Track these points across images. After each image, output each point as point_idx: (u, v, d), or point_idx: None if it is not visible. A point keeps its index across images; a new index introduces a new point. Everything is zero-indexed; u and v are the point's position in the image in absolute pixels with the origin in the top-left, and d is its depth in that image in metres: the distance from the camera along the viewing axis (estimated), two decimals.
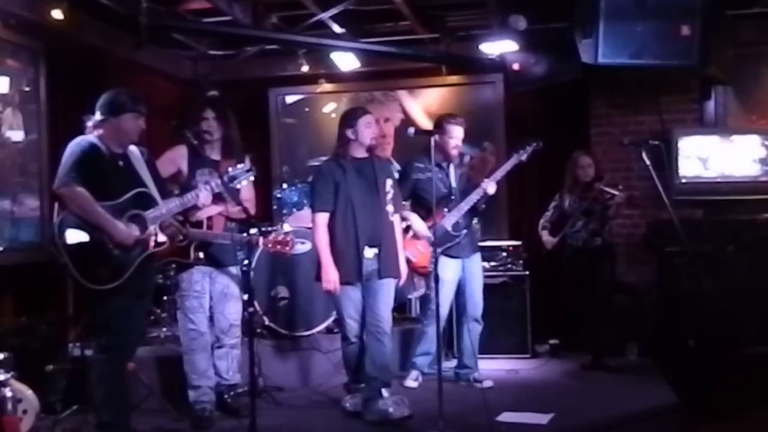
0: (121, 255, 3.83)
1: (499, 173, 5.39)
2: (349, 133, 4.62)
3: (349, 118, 4.66)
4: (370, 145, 4.63)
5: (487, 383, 5.32)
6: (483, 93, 7.38)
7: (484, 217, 6.86)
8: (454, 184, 5.34)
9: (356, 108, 4.90)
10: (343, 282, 4.52)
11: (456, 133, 5.29)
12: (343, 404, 4.76)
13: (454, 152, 5.32)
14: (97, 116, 3.97)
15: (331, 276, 4.50)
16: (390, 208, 4.66)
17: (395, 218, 4.72)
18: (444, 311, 5.23)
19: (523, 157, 5.46)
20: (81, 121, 4.04)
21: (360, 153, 4.65)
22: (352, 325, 4.63)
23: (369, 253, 4.56)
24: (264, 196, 7.13)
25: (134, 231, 3.87)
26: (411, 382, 5.38)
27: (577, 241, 5.91)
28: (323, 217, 4.58)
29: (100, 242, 3.79)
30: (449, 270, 5.24)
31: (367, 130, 4.61)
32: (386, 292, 4.65)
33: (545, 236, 6.02)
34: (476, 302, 5.38)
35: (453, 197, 5.28)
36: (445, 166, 5.34)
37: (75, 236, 3.77)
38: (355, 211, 4.53)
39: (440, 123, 5.34)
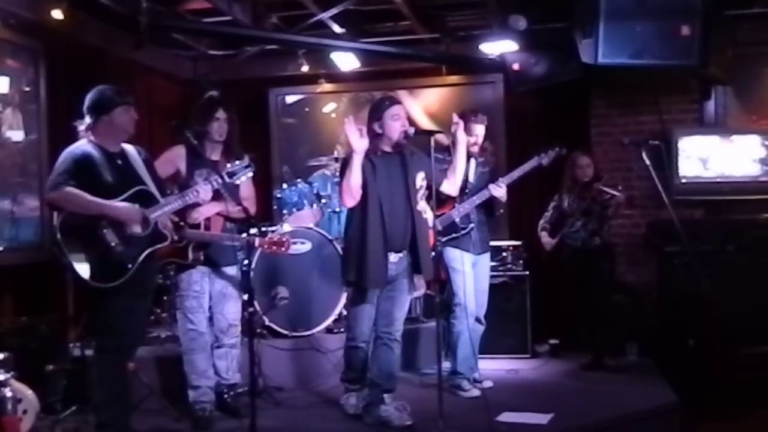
0: (124, 253, 3.83)
1: (516, 173, 5.33)
2: (376, 126, 4.36)
3: (375, 111, 4.39)
4: (398, 140, 4.36)
5: (487, 383, 5.32)
6: (483, 93, 7.38)
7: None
8: (471, 179, 5.23)
9: (383, 98, 4.59)
10: (367, 288, 4.38)
11: (476, 131, 5.20)
12: (341, 404, 4.73)
13: (473, 149, 5.23)
14: (87, 119, 3.94)
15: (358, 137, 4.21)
16: (422, 204, 4.48)
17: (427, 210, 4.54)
18: (470, 304, 5.13)
19: (544, 161, 5.39)
20: (72, 128, 4.02)
21: (389, 147, 4.41)
22: (363, 331, 4.48)
23: (393, 257, 4.41)
24: (264, 196, 7.14)
25: (137, 228, 3.87)
26: (474, 391, 5.21)
27: (576, 241, 5.91)
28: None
29: (104, 240, 3.79)
30: (460, 262, 5.14)
31: (394, 123, 4.33)
32: (405, 297, 4.55)
33: (544, 237, 6.03)
34: (481, 302, 5.33)
35: (467, 191, 5.16)
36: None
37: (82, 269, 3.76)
38: (384, 215, 4.31)
39: (462, 119, 5.31)
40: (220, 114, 4.63)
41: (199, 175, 4.50)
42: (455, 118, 4.72)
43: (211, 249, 4.57)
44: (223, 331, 4.69)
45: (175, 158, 4.60)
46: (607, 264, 5.95)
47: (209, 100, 4.81)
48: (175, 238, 4.16)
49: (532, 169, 5.37)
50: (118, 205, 3.82)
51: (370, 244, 4.32)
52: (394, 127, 4.35)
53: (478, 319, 5.35)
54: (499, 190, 5.18)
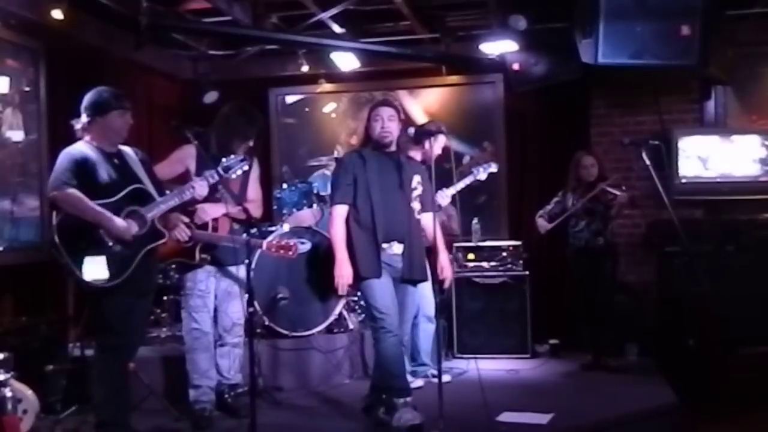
0: (122, 252, 3.83)
1: (459, 186, 5.59)
2: (366, 123, 4.51)
3: (369, 109, 4.53)
4: (377, 139, 4.43)
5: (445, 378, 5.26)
6: (483, 93, 7.38)
7: (484, 217, 6.91)
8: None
9: (379, 99, 4.72)
10: (364, 277, 4.33)
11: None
12: (395, 426, 4.27)
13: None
14: (84, 118, 3.97)
15: (344, 271, 4.31)
16: (416, 205, 4.49)
17: (425, 216, 4.54)
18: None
19: (480, 176, 5.77)
20: (70, 126, 4.03)
21: (377, 146, 4.47)
22: (391, 316, 4.27)
23: (397, 248, 4.39)
24: (264, 196, 7.13)
25: (133, 227, 3.88)
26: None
27: (580, 240, 5.92)
28: (340, 210, 4.39)
29: (101, 240, 3.79)
30: None
31: (374, 123, 4.44)
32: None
33: (541, 222, 6.04)
34: (429, 301, 5.31)
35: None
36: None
37: (93, 271, 3.78)
38: (374, 204, 4.34)
39: (439, 132, 5.35)
40: (249, 143, 4.69)
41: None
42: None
43: (218, 249, 4.59)
44: (227, 330, 4.70)
45: (185, 158, 4.60)
46: (609, 264, 5.94)
47: (250, 127, 4.76)
48: (186, 238, 4.21)
49: (471, 182, 5.71)
50: (115, 220, 3.82)
51: (361, 234, 4.34)
52: (373, 127, 4.44)
53: (428, 318, 5.40)
54: (444, 199, 5.44)
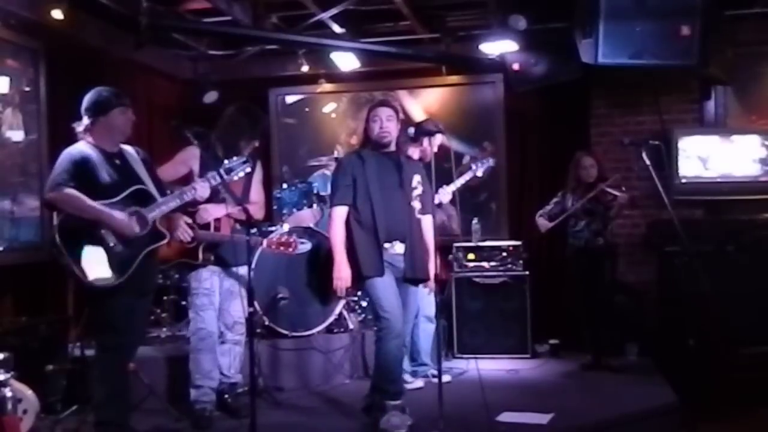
0: (123, 252, 3.83)
1: (459, 182, 5.61)
2: (364, 124, 4.52)
3: (367, 110, 4.54)
4: (376, 139, 4.43)
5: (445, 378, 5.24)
6: (483, 93, 7.38)
7: (485, 217, 6.91)
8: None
9: (377, 100, 4.72)
10: (367, 276, 4.32)
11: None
12: (382, 428, 4.27)
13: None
14: (85, 120, 3.96)
15: (342, 273, 4.33)
16: (417, 204, 4.49)
17: (425, 218, 4.54)
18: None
19: (478, 172, 5.81)
20: (71, 129, 4.03)
21: (377, 146, 4.47)
22: (395, 316, 4.26)
23: (399, 248, 4.39)
24: (265, 197, 7.13)
25: (135, 227, 3.88)
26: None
27: (580, 240, 5.92)
28: (340, 211, 4.39)
29: (102, 241, 3.79)
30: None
31: (372, 124, 4.44)
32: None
33: (541, 221, 6.04)
34: (429, 301, 5.26)
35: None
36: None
37: (96, 270, 3.78)
38: (374, 204, 4.33)
39: (438, 131, 5.33)
40: (253, 143, 4.71)
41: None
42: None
43: (222, 249, 4.59)
44: (228, 327, 4.70)
45: (189, 159, 4.61)
46: (609, 264, 5.95)
47: (254, 128, 4.77)
48: (189, 238, 4.22)
49: (471, 179, 5.73)
50: (115, 215, 3.82)
51: (362, 234, 4.34)
52: (372, 128, 4.45)
53: (428, 318, 5.38)
54: (446, 196, 5.46)
